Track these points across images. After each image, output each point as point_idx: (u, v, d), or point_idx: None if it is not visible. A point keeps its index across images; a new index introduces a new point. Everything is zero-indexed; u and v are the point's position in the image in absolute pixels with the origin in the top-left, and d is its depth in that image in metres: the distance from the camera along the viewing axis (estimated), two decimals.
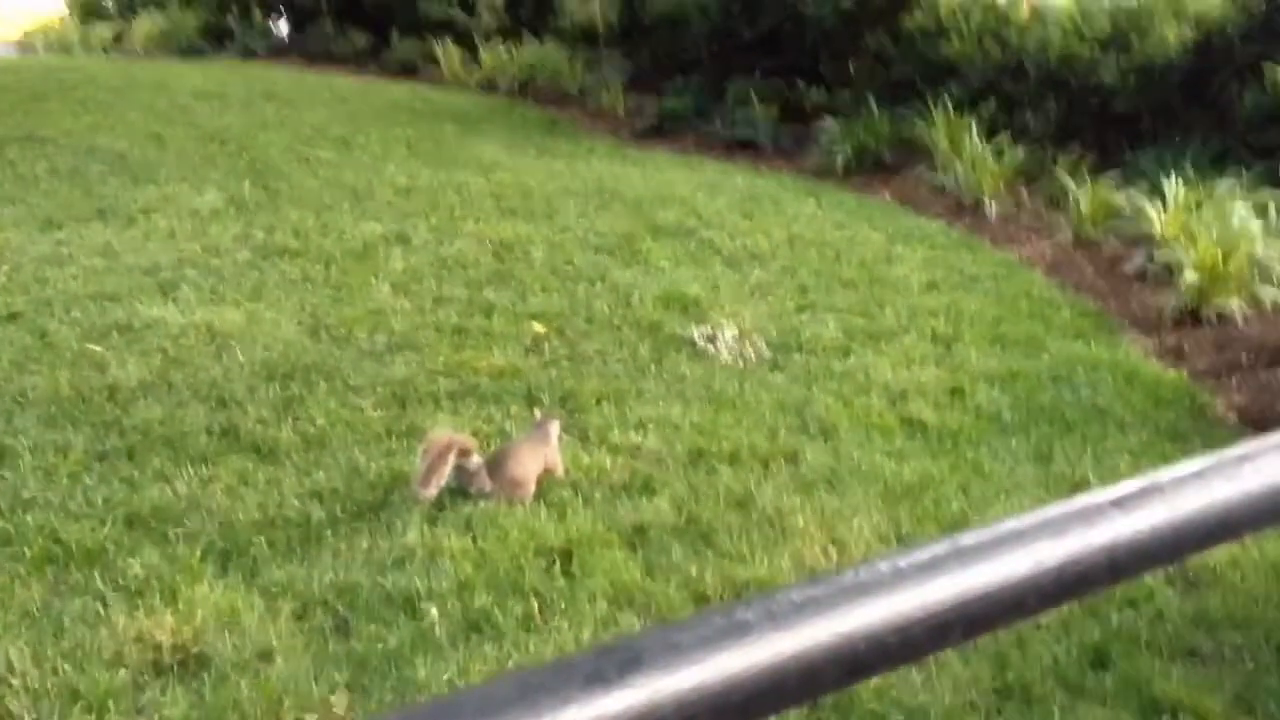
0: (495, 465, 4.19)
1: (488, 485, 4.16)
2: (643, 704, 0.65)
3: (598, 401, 5.02)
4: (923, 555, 0.79)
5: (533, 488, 4.18)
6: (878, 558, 0.77)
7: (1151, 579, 3.68)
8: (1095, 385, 5.42)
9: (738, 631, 0.70)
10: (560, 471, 4.31)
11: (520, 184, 8.81)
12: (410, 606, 3.48)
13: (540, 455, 4.26)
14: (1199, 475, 0.93)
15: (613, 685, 0.65)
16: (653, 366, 5.45)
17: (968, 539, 0.81)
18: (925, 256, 7.36)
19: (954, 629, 0.78)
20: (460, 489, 4.16)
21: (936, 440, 4.82)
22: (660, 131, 11.45)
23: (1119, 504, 0.87)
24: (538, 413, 4.66)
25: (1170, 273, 6.67)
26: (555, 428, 4.38)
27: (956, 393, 5.28)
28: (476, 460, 4.18)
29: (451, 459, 4.08)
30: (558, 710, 0.63)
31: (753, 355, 5.64)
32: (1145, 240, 7.19)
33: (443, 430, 4.35)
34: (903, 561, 0.78)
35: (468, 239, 7.30)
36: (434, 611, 3.44)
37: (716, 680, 0.68)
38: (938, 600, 0.77)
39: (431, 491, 4.06)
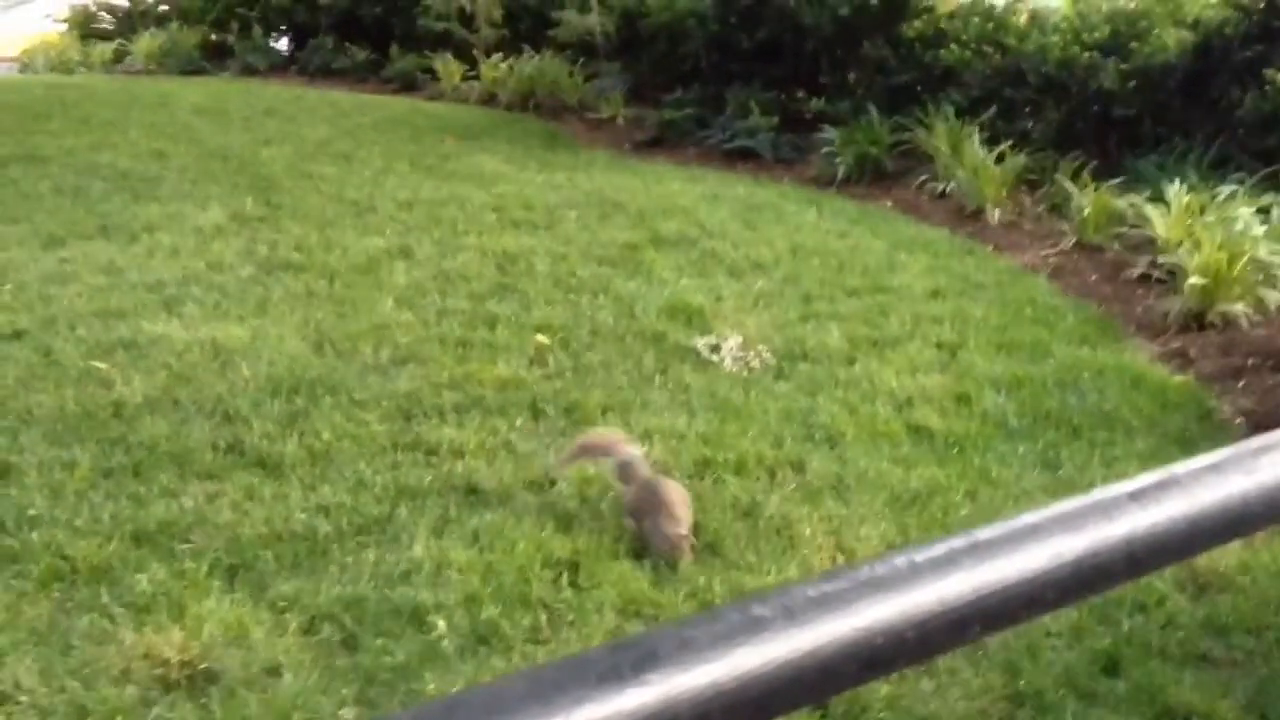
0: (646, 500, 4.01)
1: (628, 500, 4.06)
2: (657, 701, 0.65)
3: (603, 413, 5.01)
4: (939, 550, 0.78)
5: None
6: (894, 553, 0.77)
7: (1161, 583, 3.67)
8: (1101, 390, 5.41)
9: (753, 628, 0.69)
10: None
11: (522, 196, 8.81)
12: (418, 619, 3.47)
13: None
14: (1215, 469, 0.92)
15: (627, 682, 0.64)
16: (657, 377, 5.44)
17: (985, 534, 0.80)
18: (928, 264, 7.35)
19: (972, 624, 0.77)
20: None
21: (943, 447, 4.81)
22: (660, 142, 11.44)
23: (1136, 497, 0.87)
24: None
25: (1174, 277, 6.65)
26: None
27: (962, 399, 5.27)
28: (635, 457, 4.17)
29: (598, 459, 4.26)
30: (571, 708, 0.63)
31: (757, 364, 5.63)
32: (1148, 245, 7.18)
33: (610, 434, 4.41)
34: (919, 556, 0.77)
35: (470, 252, 7.30)
36: (442, 624, 3.43)
37: (732, 677, 0.67)
38: (955, 595, 0.76)
39: (561, 471, 4.29)
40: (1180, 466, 0.91)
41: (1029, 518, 0.82)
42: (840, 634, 0.71)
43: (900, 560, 0.76)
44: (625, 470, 4.12)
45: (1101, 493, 0.88)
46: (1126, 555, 0.85)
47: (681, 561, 3.84)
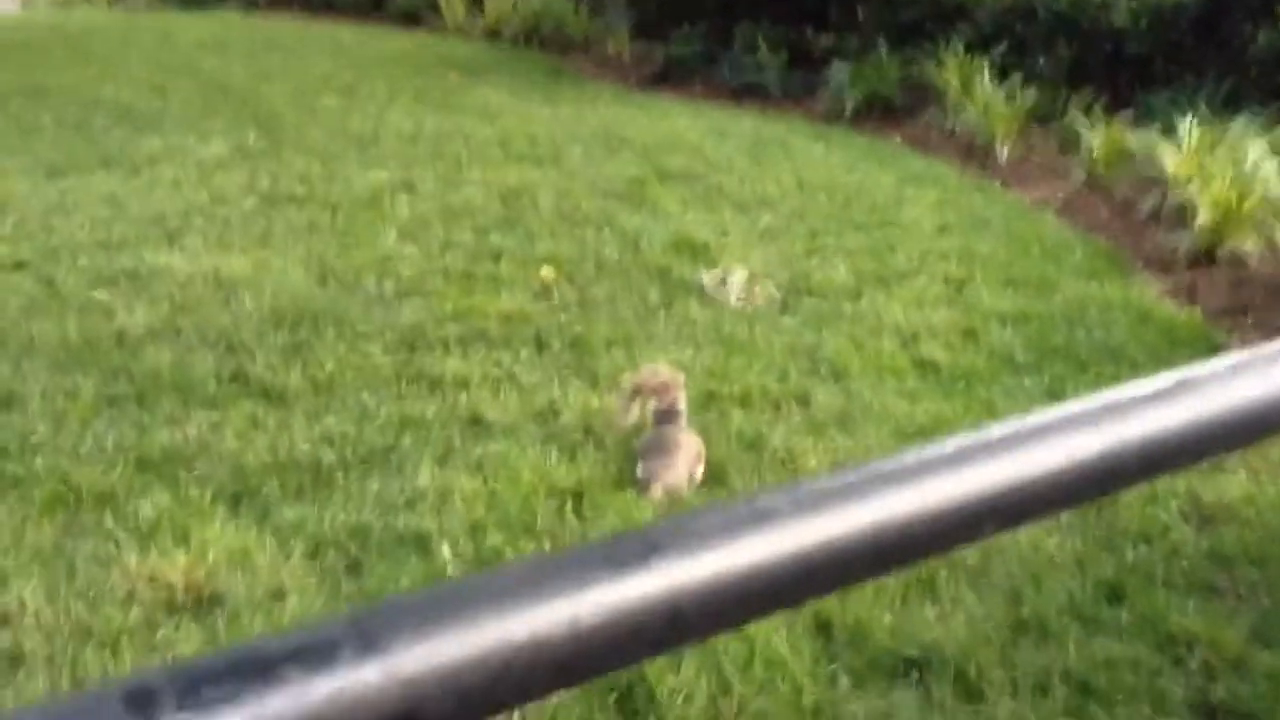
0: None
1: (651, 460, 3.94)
2: (661, 589, 0.63)
3: (607, 346, 4.99)
4: (952, 447, 0.76)
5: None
6: (906, 450, 0.75)
7: (1166, 514, 3.67)
8: (1109, 326, 5.38)
9: (762, 518, 0.67)
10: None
11: (526, 131, 8.74)
12: (422, 547, 3.47)
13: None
14: (1233, 371, 0.90)
15: (631, 570, 0.63)
16: (662, 311, 5.41)
17: (997, 431, 0.79)
18: (936, 199, 7.30)
19: (985, 521, 0.75)
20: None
21: (949, 381, 4.79)
22: (666, 78, 11.35)
23: (1152, 398, 0.85)
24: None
25: (1184, 214, 6.59)
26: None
27: (969, 334, 5.25)
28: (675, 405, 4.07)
29: (651, 402, 4.08)
30: (574, 593, 0.61)
31: (762, 299, 5.60)
32: (1159, 181, 7.11)
33: (665, 373, 4.22)
34: (931, 453, 0.75)
35: (474, 186, 7.25)
36: (446, 551, 3.43)
37: (739, 567, 0.65)
38: (967, 492, 0.74)
39: (626, 419, 4.13)
40: (1197, 368, 0.90)
41: (1043, 416, 0.80)
42: (851, 527, 0.69)
43: (911, 457, 0.74)
44: (662, 416, 4.06)
45: (1117, 392, 0.86)
46: (1140, 456, 0.83)
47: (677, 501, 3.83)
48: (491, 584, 0.60)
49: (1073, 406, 0.83)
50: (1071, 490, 0.79)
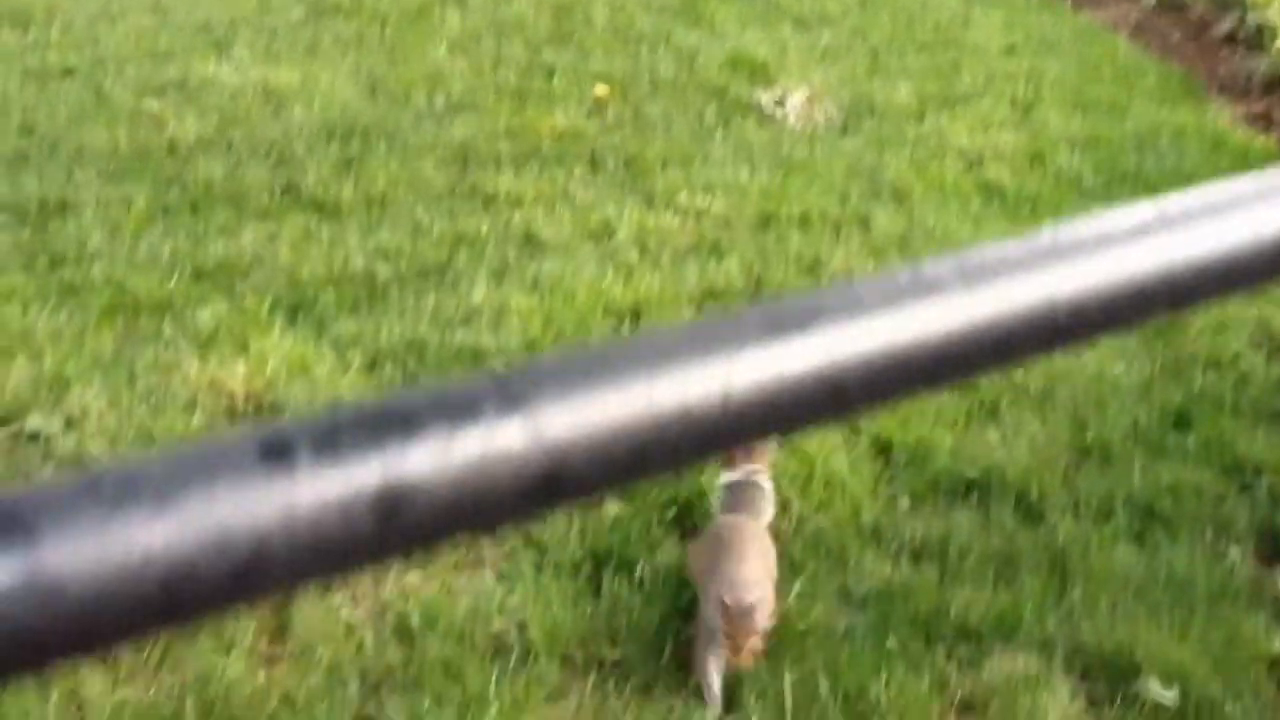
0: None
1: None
2: (825, 359, 0.57)
3: (663, 165, 4.89)
4: (1127, 220, 0.69)
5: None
6: (1080, 220, 0.68)
7: (1236, 341, 3.59)
8: (1180, 151, 5.21)
9: (926, 289, 0.61)
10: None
11: None
12: (478, 363, 3.46)
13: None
14: None
15: (792, 336, 0.57)
16: (719, 131, 5.28)
17: (1174, 204, 0.71)
18: (1004, 19, 7.02)
19: (1159, 299, 0.69)
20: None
21: (1014, 205, 4.67)
22: None
23: None
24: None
25: (1261, 36, 6.33)
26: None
27: (1036, 157, 5.09)
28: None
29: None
30: (733, 356, 0.55)
31: (822, 120, 5.45)
32: (1235, 2, 6.81)
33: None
34: (1106, 225, 0.68)
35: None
36: (503, 367, 3.41)
37: (905, 340, 0.59)
38: (1143, 269, 0.67)
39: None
40: None
41: (1225, 189, 0.73)
42: (1020, 301, 0.63)
43: (1084, 228, 0.68)
44: (729, 493, 2.72)
45: None
46: None
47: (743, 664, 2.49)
48: (641, 348, 0.55)
49: (1257, 179, 0.75)
50: (1251, 271, 0.72)
